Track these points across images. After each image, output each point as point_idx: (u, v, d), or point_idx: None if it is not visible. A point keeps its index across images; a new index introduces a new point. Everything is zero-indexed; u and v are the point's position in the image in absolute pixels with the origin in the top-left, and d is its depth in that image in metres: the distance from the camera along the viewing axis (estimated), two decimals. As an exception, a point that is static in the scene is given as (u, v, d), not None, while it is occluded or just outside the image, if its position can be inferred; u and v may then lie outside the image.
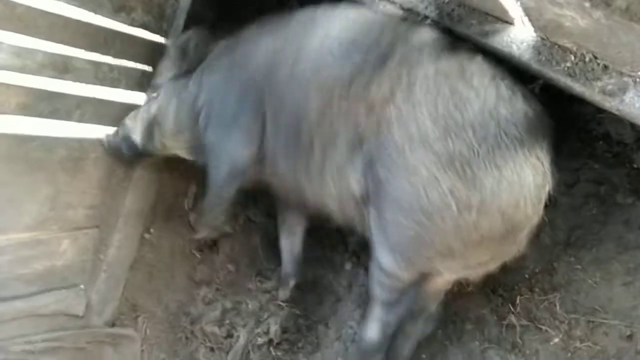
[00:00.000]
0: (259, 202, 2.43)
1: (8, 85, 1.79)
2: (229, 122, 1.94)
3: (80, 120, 2.05)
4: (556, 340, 1.66)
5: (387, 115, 1.53)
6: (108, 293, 2.39)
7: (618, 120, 1.54)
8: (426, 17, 1.65)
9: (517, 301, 1.79)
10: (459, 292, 1.83)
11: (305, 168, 1.78)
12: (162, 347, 2.44)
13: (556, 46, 1.46)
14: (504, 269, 1.59)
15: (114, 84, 2.10)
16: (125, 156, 2.17)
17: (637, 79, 1.35)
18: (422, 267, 1.62)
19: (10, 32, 1.76)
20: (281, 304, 2.30)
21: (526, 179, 1.44)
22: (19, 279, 2.09)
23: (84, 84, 2.02)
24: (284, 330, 2.23)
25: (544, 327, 1.69)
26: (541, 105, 1.52)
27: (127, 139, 2.14)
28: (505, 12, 1.53)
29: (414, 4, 1.69)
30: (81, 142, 2.08)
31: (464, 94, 1.46)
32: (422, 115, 1.48)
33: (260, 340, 2.24)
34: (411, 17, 1.66)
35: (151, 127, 2.13)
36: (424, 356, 1.94)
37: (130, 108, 2.21)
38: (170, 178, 2.44)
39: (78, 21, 1.93)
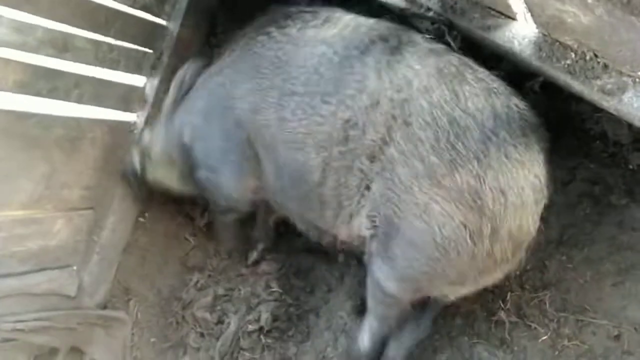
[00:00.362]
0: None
1: (7, 61, 1.78)
2: (218, 161, 1.95)
3: (79, 100, 2.03)
4: (544, 337, 1.67)
5: (390, 157, 1.52)
6: (100, 275, 2.39)
7: (616, 120, 1.54)
8: (429, 9, 1.64)
9: (508, 297, 1.79)
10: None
11: (318, 217, 1.79)
12: (152, 330, 2.45)
13: (557, 43, 1.47)
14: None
15: (113, 65, 2.09)
16: (135, 185, 2.25)
17: (637, 79, 1.35)
18: (429, 293, 1.66)
19: (11, 8, 1.75)
20: (273, 291, 2.30)
21: (528, 199, 1.45)
22: (13, 256, 2.09)
23: (83, 64, 2.01)
24: (275, 319, 2.23)
25: (533, 325, 1.70)
26: (536, 117, 1.52)
27: (131, 166, 2.21)
28: (508, 6, 1.53)
29: (417, -5, 1.69)
30: (79, 122, 2.07)
31: (462, 122, 1.45)
32: (425, 151, 1.47)
33: (250, 328, 2.25)
34: (412, 12, 1.65)
35: (143, 158, 2.19)
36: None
37: (129, 90, 2.21)
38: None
39: (79, -1, 1.93)
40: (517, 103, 1.51)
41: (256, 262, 2.35)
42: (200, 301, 2.38)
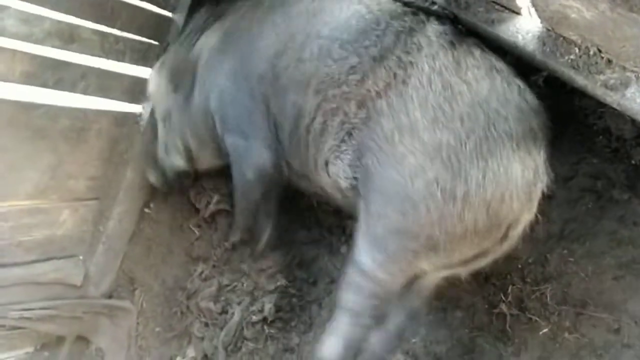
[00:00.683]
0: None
1: (14, 52, 1.79)
2: (246, 125, 1.94)
3: (85, 91, 2.05)
4: (545, 330, 1.68)
5: (378, 108, 1.56)
6: (106, 265, 2.41)
7: (619, 115, 1.54)
8: (433, 2, 1.64)
9: (509, 290, 1.80)
10: (452, 279, 1.84)
11: (305, 163, 1.81)
12: (157, 320, 2.48)
13: (561, 38, 1.47)
14: (497, 258, 1.60)
15: (119, 56, 2.10)
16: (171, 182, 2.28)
17: (640, 74, 1.36)
18: (404, 265, 1.57)
19: (18, 0, 1.76)
20: (277, 283, 2.32)
21: (513, 173, 1.44)
22: (20, 246, 2.12)
23: (89, 55, 2.02)
24: (278, 309, 2.25)
25: (533, 317, 1.71)
26: (538, 101, 1.52)
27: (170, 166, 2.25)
28: (512, 1, 1.53)
29: (422, -12, 1.69)
30: (85, 113, 2.08)
31: (456, 87, 1.48)
32: (412, 106, 1.50)
33: (254, 318, 2.27)
34: (417, 5, 1.66)
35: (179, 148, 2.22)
36: (414, 340, 1.96)
37: (135, 81, 2.22)
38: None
39: (85, -9, 1.94)
40: (519, 83, 1.52)
41: (261, 253, 2.36)
42: (205, 291, 2.41)
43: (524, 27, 1.54)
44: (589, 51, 1.42)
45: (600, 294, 1.63)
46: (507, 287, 1.82)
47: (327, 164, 1.73)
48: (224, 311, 2.34)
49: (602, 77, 1.40)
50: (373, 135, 1.56)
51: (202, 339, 2.37)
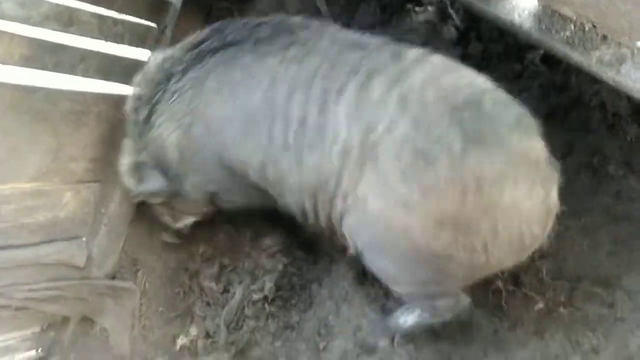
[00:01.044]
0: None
1: (12, 36, 1.80)
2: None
3: (84, 74, 2.06)
4: (540, 305, 1.71)
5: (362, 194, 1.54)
6: (109, 246, 2.44)
7: (614, 91, 1.55)
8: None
9: (505, 267, 1.82)
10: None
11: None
12: (160, 300, 2.51)
13: (557, 14, 1.47)
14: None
15: (117, 39, 2.11)
16: None
17: (635, 50, 1.36)
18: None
19: (15, -17, 1.77)
20: (277, 262, 2.34)
21: (523, 210, 1.43)
22: (23, 228, 2.14)
23: (88, 38, 2.02)
24: (279, 288, 2.28)
25: (529, 293, 1.73)
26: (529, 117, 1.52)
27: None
28: (508, -22, 1.53)
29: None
30: (84, 96, 2.09)
31: (431, 153, 1.42)
32: (394, 181, 1.47)
33: (255, 297, 2.30)
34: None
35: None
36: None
37: (134, 64, 2.22)
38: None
39: (82, -27, 1.94)
40: (487, 122, 1.46)
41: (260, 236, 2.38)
42: (206, 272, 2.44)
43: (520, 5, 1.54)
44: (585, 27, 1.43)
45: (595, 269, 1.65)
46: (504, 263, 1.83)
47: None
48: (225, 290, 2.37)
49: (597, 53, 1.41)
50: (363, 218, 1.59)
51: (204, 317, 2.40)
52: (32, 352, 2.53)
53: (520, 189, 1.42)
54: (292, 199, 1.78)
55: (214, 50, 1.79)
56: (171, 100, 1.89)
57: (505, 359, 1.76)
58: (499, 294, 1.83)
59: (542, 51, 1.63)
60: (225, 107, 1.78)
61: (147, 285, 2.54)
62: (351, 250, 1.72)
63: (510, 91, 1.83)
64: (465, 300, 1.70)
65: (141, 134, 2.01)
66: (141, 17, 2.18)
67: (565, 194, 1.72)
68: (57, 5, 1.88)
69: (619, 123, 1.64)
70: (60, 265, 2.33)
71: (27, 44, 1.84)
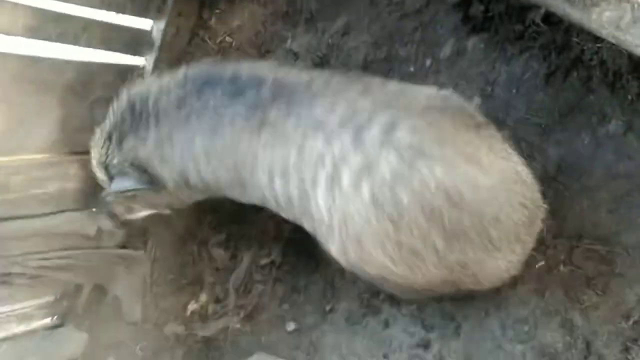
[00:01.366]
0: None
1: (15, 5, 1.81)
2: None
3: (88, 44, 2.08)
4: (541, 263, 1.73)
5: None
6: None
7: (615, 49, 1.54)
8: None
9: (507, 227, 1.84)
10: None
11: None
12: (170, 268, 2.57)
13: (557, -29, 1.45)
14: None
15: (119, 8, 2.11)
16: None
17: (636, 5, 1.35)
18: None
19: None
20: (284, 229, 2.38)
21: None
22: (33, 198, 2.19)
23: (90, 8, 2.03)
24: (285, 253, 2.32)
25: (530, 252, 1.75)
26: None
27: None
28: None
29: None
30: (89, 66, 2.12)
31: (416, 247, 1.44)
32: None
33: (262, 262, 2.34)
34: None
35: None
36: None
37: (137, 33, 2.24)
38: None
39: (84, -58, 1.94)
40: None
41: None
42: (215, 239, 2.48)
43: (520, -38, 1.53)
44: (584, -16, 1.41)
45: (595, 226, 1.67)
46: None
47: None
48: (233, 257, 2.42)
49: (597, 9, 1.39)
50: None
51: (214, 283, 2.46)
52: (47, 320, 2.62)
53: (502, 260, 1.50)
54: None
55: (198, 113, 1.76)
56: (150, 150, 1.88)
57: (507, 316, 1.80)
58: (500, 254, 1.85)
59: (543, 10, 1.62)
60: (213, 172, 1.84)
61: (157, 253, 2.60)
62: None
63: (512, 52, 1.84)
64: None
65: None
66: (143, -14, 2.18)
67: (565, 154, 1.74)
68: (59, -26, 1.88)
69: (619, 81, 1.64)
70: (71, 234, 2.39)
71: (31, 13, 1.86)
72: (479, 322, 1.84)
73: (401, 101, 1.49)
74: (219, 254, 2.45)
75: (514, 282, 1.70)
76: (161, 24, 2.28)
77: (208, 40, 2.43)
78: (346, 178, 1.45)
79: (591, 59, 1.67)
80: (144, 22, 2.25)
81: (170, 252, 2.58)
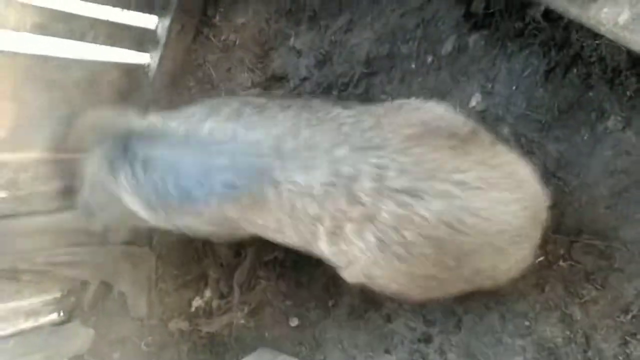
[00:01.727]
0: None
1: (23, 4, 1.85)
2: None
3: (95, 41, 2.11)
4: (541, 258, 1.74)
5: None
6: (125, 213, 2.51)
7: (614, 45, 1.56)
8: None
9: (507, 223, 1.86)
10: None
11: None
12: (175, 264, 2.60)
13: (555, -31, 1.47)
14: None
15: (125, 6, 2.14)
16: None
17: (633, 1, 1.36)
18: None
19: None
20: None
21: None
22: (40, 195, 2.22)
23: (96, 5, 2.06)
24: (289, 250, 2.34)
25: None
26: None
27: None
28: None
29: None
30: (96, 65, 2.15)
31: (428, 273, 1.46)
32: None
33: (266, 258, 2.37)
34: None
35: None
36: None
37: (142, 31, 2.26)
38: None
39: (89, -58, 1.97)
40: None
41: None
42: (219, 236, 2.51)
43: (519, -41, 1.54)
44: (583, -20, 1.43)
45: (594, 222, 1.68)
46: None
47: None
48: (237, 253, 2.44)
49: (595, 6, 1.41)
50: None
51: (218, 280, 2.49)
52: (54, 316, 2.65)
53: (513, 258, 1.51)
54: None
55: None
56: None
57: (507, 310, 1.82)
58: (500, 249, 1.87)
59: (542, 7, 1.63)
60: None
61: (162, 250, 2.62)
62: None
63: (512, 49, 1.86)
64: None
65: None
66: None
67: (564, 149, 1.75)
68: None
69: (618, 77, 1.64)
70: (77, 231, 2.41)
71: (39, 12, 1.89)
72: (480, 317, 1.86)
73: (378, 139, 1.45)
74: (223, 250, 2.48)
75: (515, 277, 1.71)
76: (166, 21, 2.30)
77: (212, 38, 2.46)
78: (349, 229, 1.45)
79: (590, 56, 1.68)
80: (149, 19, 2.28)
81: (175, 249, 2.60)
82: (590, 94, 1.70)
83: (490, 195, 1.39)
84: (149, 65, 2.35)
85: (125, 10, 2.15)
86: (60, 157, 2.21)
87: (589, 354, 1.68)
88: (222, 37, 2.45)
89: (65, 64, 2.06)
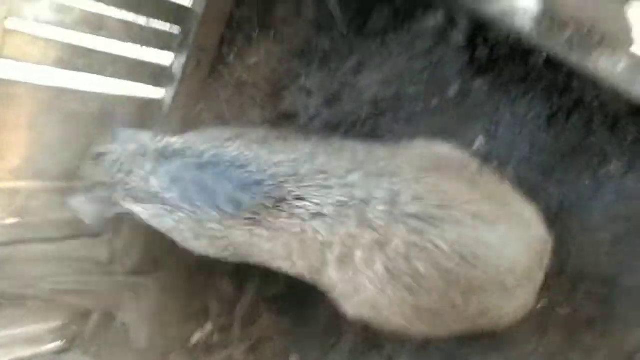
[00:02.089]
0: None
1: (47, 40, 1.93)
2: None
3: (113, 76, 2.18)
4: (542, 303, 1.73)
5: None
6: (131, 244, 2.54)
7: (614, 92, 1.59)
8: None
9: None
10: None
11: None
12: (178, 297, 2.59)
13: (555, 18, 1.52)
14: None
15: (144, 43, 2.22)
16: None
17: (629, 53, 1.40)
18: None
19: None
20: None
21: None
22: (51, 223, 2.26)
23: (117, 42, 2.15)
24: (291, 285, 2.33)
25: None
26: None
27: None
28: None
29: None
30: (113, 98, 2.22)
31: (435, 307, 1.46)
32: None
33: (268, 293, 2.36)
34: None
35: None
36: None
37: (159, 68, 2.34)
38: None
39: (112, -20, 2.06)
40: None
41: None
42: (222, 269, 2.51)
43: (521, 8, 1.59)
44: (582, 30, 1.47)
45: (595, 268, 1.67)
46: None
47: None
48: (239, 287, 2.44)
49: (593, 56, 1.45)
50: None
51: (219, 314, 2.48)
52: (56, 344, 2.65)
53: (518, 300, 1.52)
54: None
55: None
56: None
57: (508, 356, 1.79)
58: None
59: (544, 54, 1.68)
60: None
61: (166, 282, 2.63)
62: None
63: (515, 94, 1.90)
64: None
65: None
66: (166, 22, 2.29)
67: (566, 193, 1.76)
68: (87, 11, 2.00)
69: (618, 124, 1.68)
70: (84, 260, 2.44)
71: (61, 47, 1.97)
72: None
73: (392, 167, 1.49)
74: (226, 284, 2.48)
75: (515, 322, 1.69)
76: (182, 58, 2.37)
77: (226, 76, 2.53)
78: (359, 257, 1.46)
79: (592, 102, 1.71)
80: (165, 55, 2.36)
81: (178, 281, 2.60)
82: (592, 138, 1.72)
83: (504, 231, 1.40)
84: (163, 100, 2.42)
85: (144, 47, 2.23)
86: (72, 187, 2.26)
87: (591, 403, 1.65)
88: (236, 75, 2.52)
89: (83, 96, 2.12)
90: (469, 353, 1.86)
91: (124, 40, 2.14)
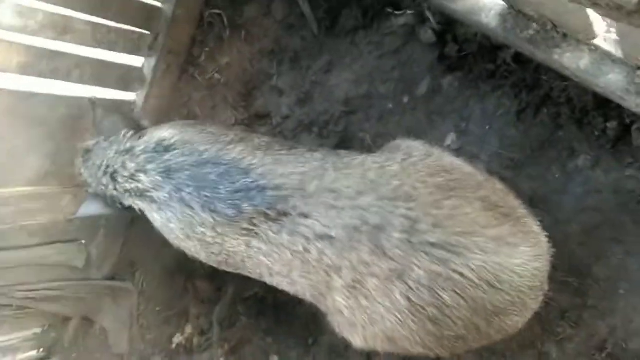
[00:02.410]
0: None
1: (10, 44, 1.89)
2: None
3: (80, 80, 2.14)
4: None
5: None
6: (107, 248, 2.52)
7: (581, 87, 1.61)
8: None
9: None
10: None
11: None
12: (157, 300, 2.58)
13: (521, 14, 1.53)
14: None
15: (111, 46, 2.19)
16: None
17: (592, 47, 1.42)
18: None
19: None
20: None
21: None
22: (23, 230, 2.22)
23: (82, 46, 2.11)
24: (269, 287, 2.33)
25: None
26: None
27: None
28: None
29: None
30: (80, 102, 2.18)
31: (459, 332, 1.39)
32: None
33: (246, 295, 2.36)
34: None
35: None
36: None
37: (128, 70, 2.31)
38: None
39: (77, -17, 2.02)
40: None
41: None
42: (201, 272, 2.50)
43: (488, 5, 1.61)
44: (546, 26, 1.49)
45: (568, 259, 1.69)
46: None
47: None
48: (218, 289, 2.43)
49: (558, 51, 1.47)
50: None
51: (199, 316, 2.46)
52: (34, 352, 2.61)
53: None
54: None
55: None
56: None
57: (484, 349, 1.81)
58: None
59: (513, 51, 1.69)
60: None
61: (144, 285, 2.61)
62: None
63: (485, 90, 1.91)
64: None
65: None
66: (134, 25, 2.26)
67: (537, 188, 1.79)
68: (53, 14, 1.96)
69: (586, 117, 1.70)
70: (59, 266, 2.41)
71: (25, 51, 1.93)
72: (457, 356, 1.85)
73: (407, 188, 1.39)
74: (204, 286, 2.46)
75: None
76: (152, 61, 2.35)
77: (197, 77, 2.51)
78: (373, 286, 1.37)
79: (559, 97, 1.73)
80: (135, 59, 2.33)
81: (157, 285, 2.59)
82: (561, 133, 1.75)
83: (522, 251, 1.36)
84: (135, 103, 2.39)
85: (112, 52, 2.20)
86: (44, 192, 2.22)
87: (566, 392, 1.67)
88: (207, 76, 2.50)
89: (50, 101, 2.09)
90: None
91: (90, 45, 2.11)
